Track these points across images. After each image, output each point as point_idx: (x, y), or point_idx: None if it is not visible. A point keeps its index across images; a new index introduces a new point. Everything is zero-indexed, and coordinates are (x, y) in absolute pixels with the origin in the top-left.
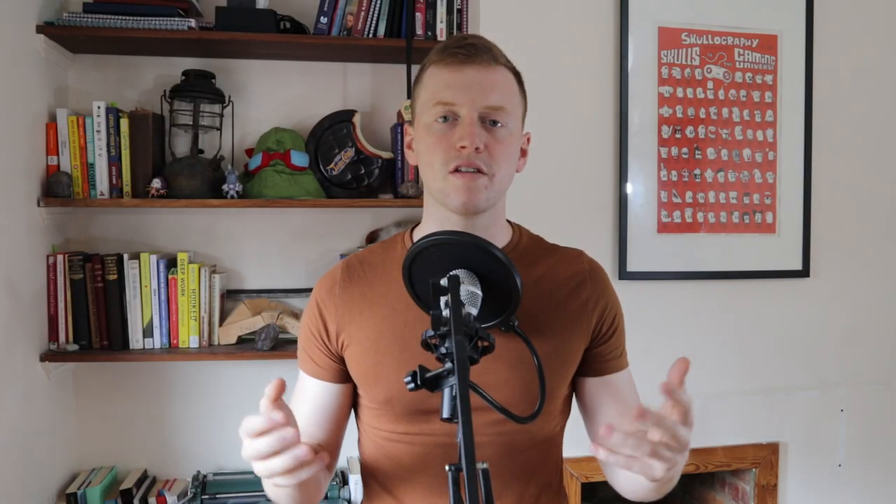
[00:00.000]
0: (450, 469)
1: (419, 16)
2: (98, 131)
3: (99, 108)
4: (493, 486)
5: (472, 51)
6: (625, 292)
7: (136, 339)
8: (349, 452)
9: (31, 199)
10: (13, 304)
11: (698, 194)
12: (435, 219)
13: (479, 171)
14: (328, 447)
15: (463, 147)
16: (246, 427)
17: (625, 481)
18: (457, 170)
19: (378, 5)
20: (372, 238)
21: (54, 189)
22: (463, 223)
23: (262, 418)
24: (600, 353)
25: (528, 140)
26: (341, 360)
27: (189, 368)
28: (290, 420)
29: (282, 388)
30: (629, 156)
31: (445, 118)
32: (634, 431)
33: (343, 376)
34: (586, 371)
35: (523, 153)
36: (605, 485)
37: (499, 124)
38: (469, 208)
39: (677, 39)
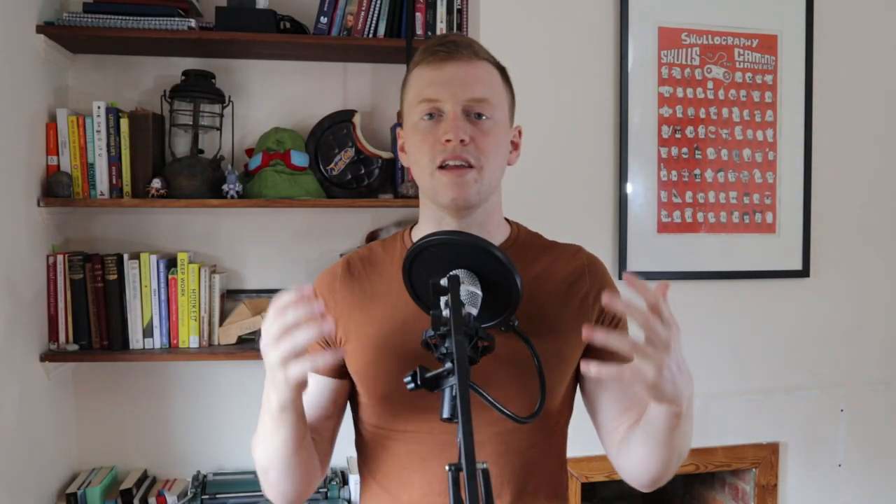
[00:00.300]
0: (450, 469)
1: (419, 16)
2: (98, 131)
3: (99, 108)
4: (492, 485)
5: (453, 48)
6: (625, 292)
7: (136, 339)
8: (349, 452)
9: (31, 199)
10: (13, 304)
11: (698, 194)
12: (430, 218)
13: (467, 164)
14: (322, 443)
15: (448, 140)
16: (278, 301)
17: (633, 464)
18: (444, 165)
19: (378, 5)
20: (372, 238)
21: (54, 189)
22: (457, 221)
23: (295, 292)
24: (603, 347)
25: (520, 133)
26: None
27: (189, 368)
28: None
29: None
30: (629, 156)
31: (431, 115)
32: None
33: (340, 371)
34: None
35: (515, 146)
36: (605, 485)
37: (484, 117)
38: (460, 204)
39: (677, 39)
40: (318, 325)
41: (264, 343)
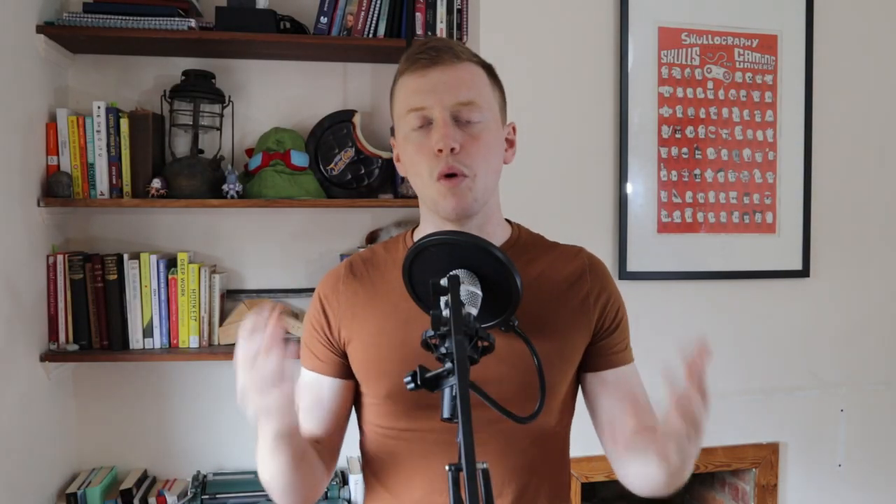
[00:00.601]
0: (450, 469)
1: (419, 16)
2: (98, 131)
3: (99, 108)
4: (493, 484)
5: (434, 53)
6: (625, 292)
7: (136, 339)
8: (349, 452)
9: (31, 199)
10: (13, 304)
11: (698, 194)
12: (430, 222)
13: (460, 174)
14: (327, 445)
15: (440, 150)
16: (242, 328)
17: (634, 476)
18: (442, 177)
19: (378, 5)
20: (372, 238)
21: (54, 189)
22: (457, 224)
23: (256, 317)
24: (604, 347)
25: (514, 130)
26: (343, 355)
27: (189, 368)
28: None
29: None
30: (629, 156)
31: (421, 125)
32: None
33: (344, 371)
34: (591, 366)
35: (510, 143)
36: (605, 485)
37: (473, 120)
38: (460, 213)
39: (677, 39)
40: (280, 350)
41: (238, 373)
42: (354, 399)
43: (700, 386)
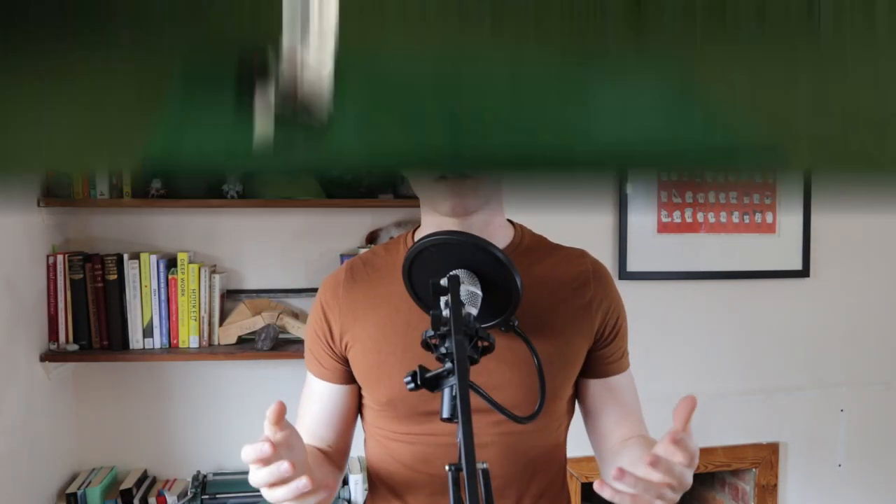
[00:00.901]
0: (450, 469)
1: None
2: None
3: None
4: (495, 486)
5: None
6: (625, 292)
7: (136, 339)
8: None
9: (31, 199)
10: (13, 304)
11: (698, 194)
12: (431, 222)
13: (463, 175)
14: (337, 447)
15: None
16: (242, 457)
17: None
18: (442, 177)
19: None
20: (372, 238)
21: (54, 189)
22: (458, 224)
23: (254, 449)
24: (603, 355)
25: None
26: (346, 362)
27: (189, 368)
28: (290, 441)
29: (282, 411)
30: None
31: None
32: (644, 476)
33: (349, 377)
34: (588, 373)
35: None
36: None
37: None
38: (459, 212)
39: None
40: (293, 487)
41: (252, 484)
42: (360, 401)
43: (687, 452)
